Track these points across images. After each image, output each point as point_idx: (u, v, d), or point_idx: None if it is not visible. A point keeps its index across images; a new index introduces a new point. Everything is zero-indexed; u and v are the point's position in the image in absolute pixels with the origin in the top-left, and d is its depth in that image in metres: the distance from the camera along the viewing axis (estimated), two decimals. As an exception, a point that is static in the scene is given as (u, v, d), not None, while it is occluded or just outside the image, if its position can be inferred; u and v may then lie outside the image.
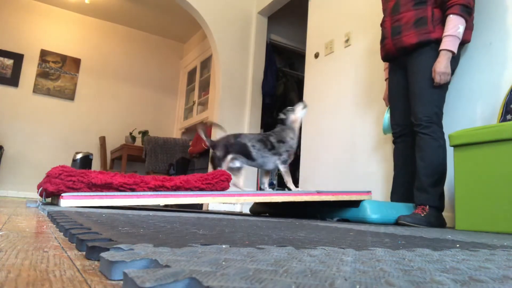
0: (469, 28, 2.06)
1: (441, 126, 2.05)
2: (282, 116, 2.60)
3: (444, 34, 1.98)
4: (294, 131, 2.58)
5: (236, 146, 2.52)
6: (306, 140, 3.51)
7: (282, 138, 2.53)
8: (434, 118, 2.02)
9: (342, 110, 3.14)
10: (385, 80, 2.49)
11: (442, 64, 1.96)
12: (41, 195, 1.85)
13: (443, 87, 2.06)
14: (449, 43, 1.96)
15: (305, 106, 2.62)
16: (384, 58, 2.34)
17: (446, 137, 2.02)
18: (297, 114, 2.59)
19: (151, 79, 6.31)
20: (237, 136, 2.56)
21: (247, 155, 2.52)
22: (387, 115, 2.41)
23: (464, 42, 2.08)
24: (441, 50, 1.98)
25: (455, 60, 2.07)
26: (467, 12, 1.96)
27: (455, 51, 1.97)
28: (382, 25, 2.31)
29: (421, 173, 2.00)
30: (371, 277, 0.32)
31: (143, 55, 6.28)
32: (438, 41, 2.02)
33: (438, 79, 1.98)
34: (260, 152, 2.49)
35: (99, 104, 5.83)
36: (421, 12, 2.06)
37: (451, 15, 1.97)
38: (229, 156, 2.50)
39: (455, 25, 1.95)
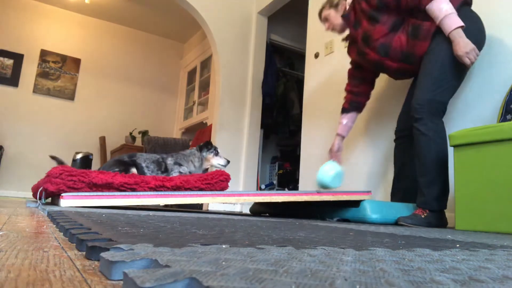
0: None
1: (435, 116, 1.87)
2: (209, 146, 2.75)
3: (438, 22, 1.82)
4: (202, 163, 2.72)
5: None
6: (306, 140, 3.50)
7: (182, 162, 2.62)
8: (425, 106, 1.85)
9: (342, 110, 3.14)
10: (336, 133, 2.43)
11: (460, 45, 1.76)
12: (40, 194, 1.85)
13: (452, 74, 1.86)
14: (450, 23, 1.78)
15: (225, 165, 2.75)
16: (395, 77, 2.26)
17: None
18: (215, 160, 2.77)
19: (151, 79, 6.32)
20: (132, 155, 2.57)
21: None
22: (328, 167, 2.20)
23: (466, 4, 1.92)
24: (448, 34, 1.79)
25: (474, 23, 1.87)
26: None
27: (462, 24, 1.77)
28: (360, 52, 2.18)
29: (417, 173, 1.95)
30: (371, 277, 0.32)
31: (143, 55, 6.28)
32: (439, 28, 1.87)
33: (467, 61, 1.77)
34: (153, 174, 2.50)
35: (99, 104, 5.83)
36: (398, 37, 1.99)
37: (427, 7, 1.83)
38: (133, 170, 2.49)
39: (438, 9, 1.80)
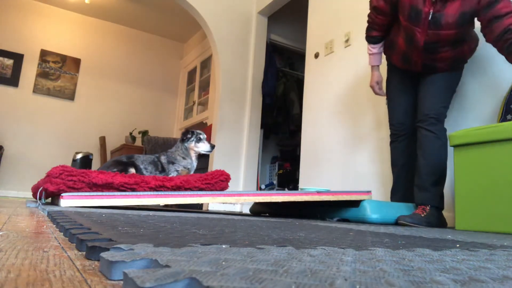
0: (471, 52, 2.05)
1: (444, 125, 2.06)
2: (188, 135, 2.74)
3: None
4: (188, 153, 2.72)
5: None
6: (306, 140, 3.50)
7: (173, 160, 2.65)
8: (441, 116, 2.02)
9: (342, 110, 3.14)
10: (371, 66, 2.35)
11: None
12: (40, 194, 1.85)
13: (454, 88, 2.09)
14: None
15: (210, 151, 2.78)
16: (402, 67, 2.21)
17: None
18: (199, 147, 2.76)
19: (151, 79, 6.31)
20: (130, 157, 2.60)
21: None
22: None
23: (464, 62, 2.10)
24: None
25: (460, 73, 2.09)
26: None
27: None
28: (407, 47, 2.04)
29: (423, 172, 1.99)
30: (371, 277, 0.32)
31: (143, 55, 6.28)
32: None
33: None
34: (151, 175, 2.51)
35: (99, 104, 5.83)
36: (460, 51, 1.99)
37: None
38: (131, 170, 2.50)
39: None
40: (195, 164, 2.77)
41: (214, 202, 2.04)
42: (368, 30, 2.26)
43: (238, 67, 4.45)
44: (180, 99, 6.45)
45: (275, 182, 4.96)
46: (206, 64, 5.81)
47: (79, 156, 4.44)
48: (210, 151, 2.80)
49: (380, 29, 2.20)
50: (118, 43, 6.10)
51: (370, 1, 2.19)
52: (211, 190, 2.21)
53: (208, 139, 4.40)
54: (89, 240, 0.47)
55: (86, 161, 4.44)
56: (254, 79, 4.49)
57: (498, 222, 1.63)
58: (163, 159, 2.63)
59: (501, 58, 2.09)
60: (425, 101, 2.06)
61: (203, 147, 2.76)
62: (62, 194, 1.72)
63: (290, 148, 5.20)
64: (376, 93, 2.38)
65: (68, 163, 4.83)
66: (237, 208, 4.22)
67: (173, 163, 2.63)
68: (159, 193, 1.91)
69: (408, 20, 1.96)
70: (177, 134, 6.27)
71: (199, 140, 2.74)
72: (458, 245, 0.72)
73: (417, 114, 2.10)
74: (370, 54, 2.32)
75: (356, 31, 3.11)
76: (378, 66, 2.34)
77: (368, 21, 2.24)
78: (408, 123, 2.22)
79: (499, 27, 1.71)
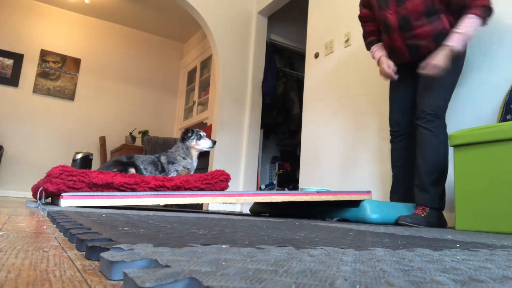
0: None
1: (444, 121, 2.01)
2: (188, 134, 2.74)
3: (455, 30, 1.88)
4: (189, 153, 2.72)
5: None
6: (306, 140, 3.51)
7: (173, 160, 2.65)
8: (438, 112, 1.98)
9: (342, 110, 3.14)
10: (378, 58, 2.30)
11: (439, 58, 1.88)
12: (40, 194, 1.85)
13: (454, 82, 2.03)
14: (454, 40, 1.86)
15: (212, 147, 2.78)
16: (396, 63, 2.23)
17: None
18: (200, 144, 2.75)
19: (151, 79, 6.31)
20: (130, 157, 2.60)
21: None
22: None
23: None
24: (444, 44, 1.88)
25: (458, 65, 2.04)
26: (488, 14, 1.86)
27: (459, 47, 1.87)
28: (388, 38, 2.14)
29: (422, 172, 1.98)
30: (371, 277, 0.32)
31: (143, 55, 6.28)
32: None
33: (428, 70, 1.91)
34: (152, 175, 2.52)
35: (99, 104, 5.83)
36: (437, 24, 1.97)
37: (470, 15, 1.84)
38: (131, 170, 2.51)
39: (470, 24, 1.84)
40: (195, 164, 2.77)
41: (214, 202, 2.04)
42: (364, 39, 2.41)
43: (238, 67, 4.45)
44: (180, 99, 6.45)
45: (275, 182, 4.96)
46: (206, 64, 5.81)
47: (79, 156, 4.44)
48: (212, 147, 2.81)
49: (374, 34, 2.34)
50: (118, 43, 6.10)
51: (359, 13, 2.37)
52: (211, 190, 2.21)
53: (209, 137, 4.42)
54: (89, 240, 0.47)
55: (86, 161, 4.44)
56: (254, 79, 4.49)
57: (498, 222, 1.63)
58: (163, 159, 2.64)
59: (501, 58, 2.09)
60: (422, 97, 2.04)
61: (205, 144, 2.76)
62: (62, 194, 1.72)
63: (290, 148, 5.20)
64: (389, 75, 2.24)
65: (68, 163, 4.83)
66: (237, 208, 4.22)
67: (173, 163, 2.63)
68: (159, 193, 1.91)
69: (379, 9, 2.15)
70: (177, 134, 6.27)
71: (199, 137, 2.74)
72: (458, 245, 0.72)
73: (416, 112, 2.09)
74: (373, 54, 2.32)
75: (356, 31, 3.11)
76: (383, 55, 2.28)
77: (363, 32, 2.41)
78: (405, 123, 2.22)
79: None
